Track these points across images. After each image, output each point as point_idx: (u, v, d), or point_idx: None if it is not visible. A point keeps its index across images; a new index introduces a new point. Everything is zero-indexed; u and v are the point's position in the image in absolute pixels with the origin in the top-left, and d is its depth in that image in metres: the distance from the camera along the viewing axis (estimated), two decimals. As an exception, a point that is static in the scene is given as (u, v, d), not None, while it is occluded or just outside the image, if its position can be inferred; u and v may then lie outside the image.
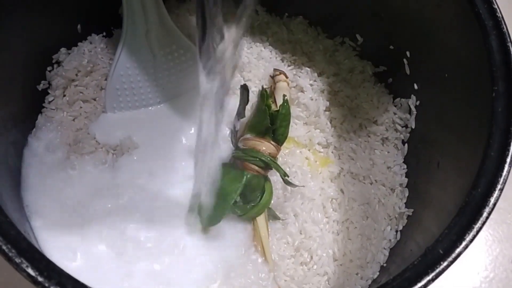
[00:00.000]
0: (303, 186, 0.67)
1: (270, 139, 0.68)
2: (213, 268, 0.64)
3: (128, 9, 0.66)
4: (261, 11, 0.84)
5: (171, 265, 0.64)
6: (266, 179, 0.68)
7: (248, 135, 0.68)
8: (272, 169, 0.67)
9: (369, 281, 0.63)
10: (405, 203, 0.70)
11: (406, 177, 0.73)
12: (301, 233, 0.68)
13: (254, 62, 0.78)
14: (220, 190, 0.66)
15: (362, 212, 0.71)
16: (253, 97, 0.74)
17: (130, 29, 0.68)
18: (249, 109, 0.73)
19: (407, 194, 0.71)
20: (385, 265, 0.65)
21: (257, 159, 0.66)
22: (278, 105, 0.70)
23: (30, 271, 0.42)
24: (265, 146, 0.67)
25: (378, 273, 0.64)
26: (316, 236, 0.68)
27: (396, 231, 0.68)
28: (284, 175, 0.66)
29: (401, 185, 0.72)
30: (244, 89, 0.60)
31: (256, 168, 0.66)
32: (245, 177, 0.66)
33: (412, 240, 0.63)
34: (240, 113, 0.64)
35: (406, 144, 0.74)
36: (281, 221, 0.68)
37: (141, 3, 0.65)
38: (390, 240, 0.67)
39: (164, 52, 0.70)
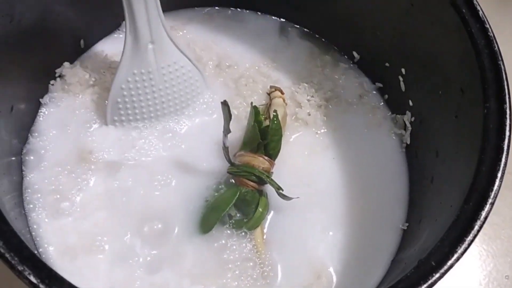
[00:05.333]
0: (298, 197, 0.68)
1: (263, 154, 0.69)
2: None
3: (130, 23, 0.67)
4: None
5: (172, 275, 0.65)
6: (261, 193, 0.69)
7: (242, 151, 0.69)
8: (267, 183, 0.68)
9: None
10: (400, 217, 0.71)
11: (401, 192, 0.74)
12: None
13: (253, 77, 0.80)
14: (214, 203, 0.68)
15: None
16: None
17: (130, 43, 0.69)
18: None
19: (402, 209, 0.72)
20: (380, 277, 0.66)
21: (251, 174, 0.67)
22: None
23: (32, 278, 0.43)
24: (259, 162, 0.68)
25: (374, 286, 0.64)
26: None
27: (391, 245, 0.69)
28: (278, 188, 0.67)
29: (396, 200, 0.73)
30: (225, 105, 0.61)
31: (251, 183, 0.67)
32: (239, 192, 0.67)
33: (405, 252, 0.64)
34: (226, 129, 0.65)
35: (401, 160, 0.76)
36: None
37: (146, 17, 0.67)
38: (385, 253, 0.68)
39: (163, 65, 0.71)
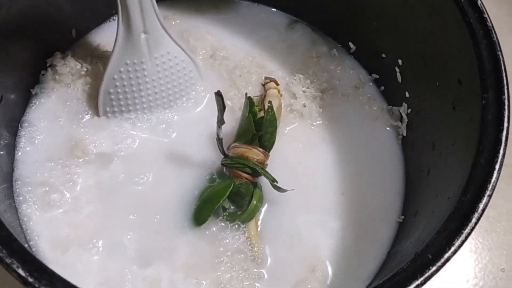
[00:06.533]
0: (293, 189, 0.67)
1: (258, 145, 0.68)
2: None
3: (122, 12, 0.66)
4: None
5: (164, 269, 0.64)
6: (256, 185, 0.69)
7: (236, 143, 0.69)
8: (261, 175, 0.68)
9: (362, 286, 0.63)
10: (396, 209, 0.71)
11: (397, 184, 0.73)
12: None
13: (247, 68, 0.79)
14: (208, 195, 0.67)
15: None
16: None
17: (123, 33, 0.68)
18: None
19: (398, 201, 0.71)
20: (376, 270, 0.65)
21: (245, 166, 0.66)
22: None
23: (21, 271, 0.43)
24: (253, 153, 0.67)
25: (369, 279, 0.64)
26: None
27: (387, 238, 0.68)
28: (272, 180, 0.66)
29: (392, 192, 0.73)
30: (219, 96, 0.60)
31: (245, 175, 0.67)
32: (233, 184, 0.66)
33: (401, 245, 0.64)
34: (220, 120, 0.64)
35: (397, 151, 0.75)
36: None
37: (139, 6, 0.66)
38: (381, 245, 0.68)
39: (156, 56, 0.70)
